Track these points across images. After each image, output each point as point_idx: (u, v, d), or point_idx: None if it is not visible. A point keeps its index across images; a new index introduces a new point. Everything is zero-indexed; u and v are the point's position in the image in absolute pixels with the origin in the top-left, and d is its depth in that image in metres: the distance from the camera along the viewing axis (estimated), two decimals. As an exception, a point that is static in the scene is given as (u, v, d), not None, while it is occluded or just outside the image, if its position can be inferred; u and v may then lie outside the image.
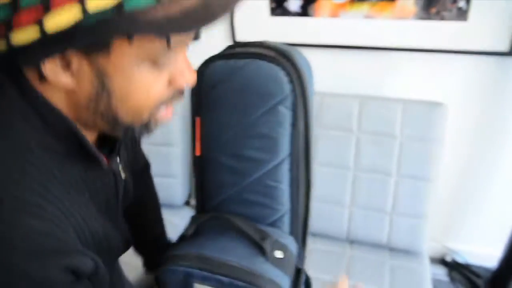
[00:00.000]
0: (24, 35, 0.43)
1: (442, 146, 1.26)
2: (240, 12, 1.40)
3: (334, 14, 1.30)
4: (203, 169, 0.72)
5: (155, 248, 0.94)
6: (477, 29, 1.21)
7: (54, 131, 0.51)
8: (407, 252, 1.34)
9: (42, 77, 0.47)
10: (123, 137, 0.65)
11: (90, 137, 0.59)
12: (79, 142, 0.53)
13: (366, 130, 1.29)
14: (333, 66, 1.40)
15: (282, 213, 0.70)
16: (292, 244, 0.70)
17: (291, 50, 0.71)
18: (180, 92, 0.55)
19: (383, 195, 1.31)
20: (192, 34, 0.53)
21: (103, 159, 0.56)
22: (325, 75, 1.41)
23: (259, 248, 0.64)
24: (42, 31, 0.43)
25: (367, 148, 1.30)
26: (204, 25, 0.45)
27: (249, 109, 0.65)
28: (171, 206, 1.57)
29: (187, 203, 1.68)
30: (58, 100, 0.51)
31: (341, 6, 1.28)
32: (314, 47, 1.38)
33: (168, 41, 0.47)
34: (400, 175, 1.28)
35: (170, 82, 0.53)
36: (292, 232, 0.72)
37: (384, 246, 1.36)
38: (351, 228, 1.36)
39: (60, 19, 0.42)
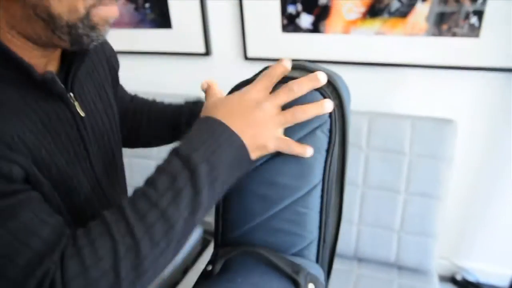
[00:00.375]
0: None
1: (452, 164, 1.26)
2: (252, 29, 1.42)
3: (346, 31, 1.31)
4: (226, 197, 0.67)
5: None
6: (488, 46, 1.20)
7: None
8: (416, 271, 1.33)
9: None
10: (80, 66, 0.65)
11: (48, 62, 0.60)
12: (6, 56, 0.52)
13: (375, 147, 1.29)
14: (343, 82, 1.41)
15: (310, 241, 0.67)
16: (320, 274, 0.67)
17: (333, 75, 0.68)
18: None
19: (392, 212, 1.30)
20: None
21: (34, 70, 0.54)
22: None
23: (293, 281, 0.62)
24: None
25: (376, 165, 1.30)
26: None
27: (285, 133, 0.62)
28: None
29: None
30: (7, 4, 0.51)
31: (353, 22, 1.29)
32: (325, 63, 1.39)
33: None
34: (409, 192, 1.28)
35: None
36: (318, 260, 0.69)
37: (393, 264, 1.34)
38: (359, 246, 1.36)
39: None
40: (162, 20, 1.54)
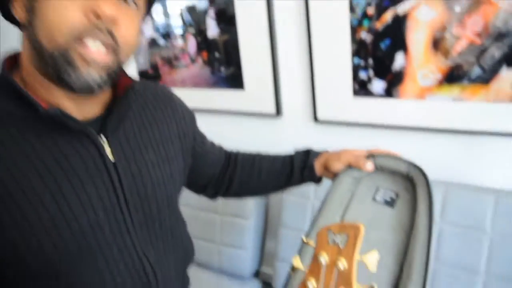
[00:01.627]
0: None
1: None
2: (323, 92, 1.42)
3: (420, 96, 1.26)
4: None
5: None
6: None
7: (8, 95, 0.62)
8: None
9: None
10: (114, 119, 0.70)
11: (78, 107, 0.67)
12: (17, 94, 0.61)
13: (451, 221, 1.19)
14: (417, 149, 1.34)
15: None
16: None
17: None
18: (95, 26, 0.59)
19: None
20: None
21: (40, 104, 0.60)
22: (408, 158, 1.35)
23: None
24: None
25: (451, 241, 1.19)
26: None
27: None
28: (240, 277, 1.56)
29: (256, 274, 1.64)
30: (26, 40, 0.62)
31: (428, 89, 1.24)
32: (399, 129, 1.34)
33: None
34: (490, 274, 1.14)
35: (85, 11, 0.58)
36: None
37: None
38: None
39: None
40: (235, 81, 1.60)
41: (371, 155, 0.89)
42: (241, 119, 1.67)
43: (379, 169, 0.88)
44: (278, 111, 1.55)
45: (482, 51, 1.14)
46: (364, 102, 1.36)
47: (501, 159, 1.25)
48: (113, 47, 0.62)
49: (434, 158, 1.32)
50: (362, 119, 1.38)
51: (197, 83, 1.70)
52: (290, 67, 1.49)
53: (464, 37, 1.15)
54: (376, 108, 1.35)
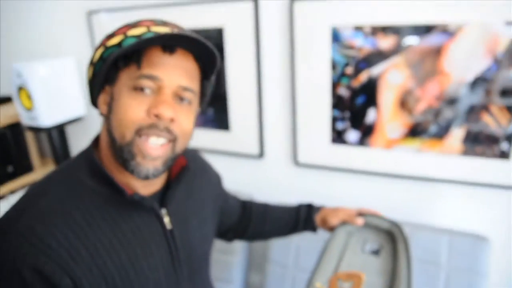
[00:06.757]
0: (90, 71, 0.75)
1: (487, 280, 1.31)
2: (303, 137, 1.60)
3: (388, 147, 1.47)
4: None
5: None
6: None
7: (98, 177, 0.73)
8: None
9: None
10: (171, 193, 0.82)
11: (144, 185, 0.78)
12: (107, 180, 0.73)
13: (414, 256, 1.37)
14: (385, 194, 1.54)
15: None
16: None
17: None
18: (155, 125, 0.70)
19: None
20: (164, 77, 0.71)
21: (126, 191, 0.72)
22: (377, 201, 1.53)
23: None
24: (92, 63, 0.73)
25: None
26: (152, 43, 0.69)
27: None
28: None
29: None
30: (105, 129, 0.75)
31: (395, 141, 1.45)
32: (369, 174, 1.53)
33: (139, 63, 0.69)
34: (446, 303, 1.32)
35: (148, 111, 0.70)
36: None
37: None
38: None
39: (97, 53, 0.73)
40: (222, 122, 1.75)
41: (361, 214, 1.08)
42: (226, 158, 1.81)
43: (367, 225, 1.07)
44: (261, 152, 1.71)
45: (438, 112, 1.36)
46: (340, 149, 1.55)
47: (452, 203, 1.46)
48: (171, 139, 0.73)
49: (401, 202, 1.52)
50: (338, 164, 1.57)
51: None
52: (275, 115, 1.66)
53: (424, 100, 1.37)
54: (350, 154, 1.54)
